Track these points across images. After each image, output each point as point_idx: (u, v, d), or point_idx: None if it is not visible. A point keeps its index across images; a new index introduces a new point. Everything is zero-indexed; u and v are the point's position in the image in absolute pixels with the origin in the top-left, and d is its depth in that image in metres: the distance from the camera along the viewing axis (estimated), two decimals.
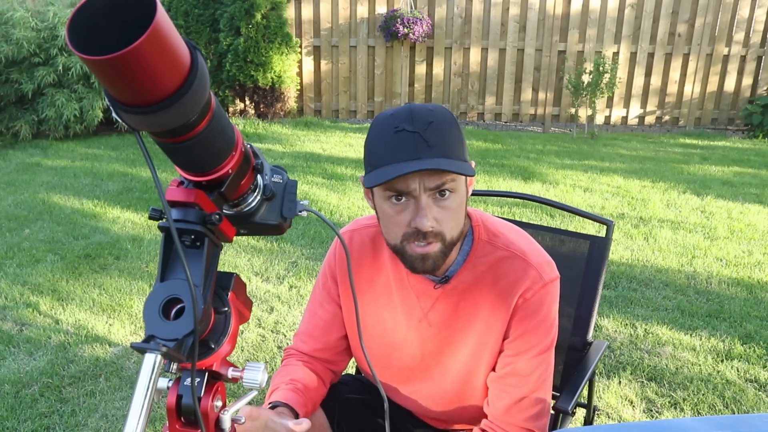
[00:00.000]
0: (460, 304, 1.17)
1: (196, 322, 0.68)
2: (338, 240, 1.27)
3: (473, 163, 1.10)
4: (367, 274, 1.25)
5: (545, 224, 3.51)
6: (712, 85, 7.03)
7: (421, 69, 7.15)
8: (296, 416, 1.14)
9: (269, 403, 1.16)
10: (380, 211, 1.09)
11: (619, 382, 2.42)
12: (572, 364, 1.56)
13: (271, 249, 3.60)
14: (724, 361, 2.56)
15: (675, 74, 7.02)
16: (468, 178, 1.10)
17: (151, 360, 0.68)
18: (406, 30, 6.67)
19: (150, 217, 0.71)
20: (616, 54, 6.97)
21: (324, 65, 7.17)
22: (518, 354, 1.15)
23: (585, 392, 1.53)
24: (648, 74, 7.06)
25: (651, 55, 6.99)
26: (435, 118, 1.01)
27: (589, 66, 6.72)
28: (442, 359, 1.23)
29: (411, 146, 0.99)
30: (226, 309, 0.79)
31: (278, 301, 3.02)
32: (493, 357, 1.18)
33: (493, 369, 1.19)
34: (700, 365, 2.53)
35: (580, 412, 1.78)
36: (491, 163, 5.53)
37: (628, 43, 6.93)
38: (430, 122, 1.00)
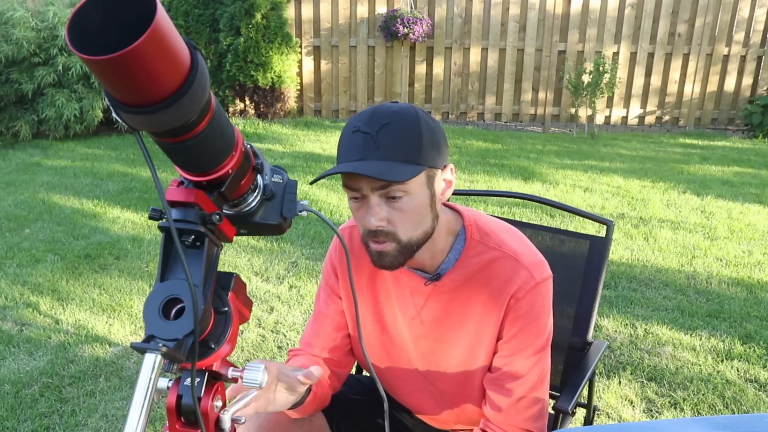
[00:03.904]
0: (451, 303, 1.17)
1: (196, 322, 0.68)
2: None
3: (451, 167, 1.09)
4: (368, 269, 1.24)
5: (545, 224, 3.51)
6: (712, 85, 7.03)
7: (421, 69, 7.14)
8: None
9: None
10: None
11: (619, 382, 2.42)
12: (572, 364, 1.56)
13: (271, 249, 3.60)
14: (724, 361, 2.56)
15: (675, 74, 7.02)
16: (445, 179, 1.09)
17: (151, 360, 0.68)
18: (406, 30, 6.67)
19: (150, 217, 0.71)
20: (616, 54, 6.97)
21: (324, 65, 7.16)
22: (513, 354, 1.15)
23: (585, 392, 1.53)
24: (648, 74, 7.06)
25: (651, 55, 6.99)
26: (393, 119, 1.01)
27: (589, 66, 6.72)
28: (434, 359, 1.22)
29: (361, 147, 1.00)
30: (226, 309, 0.79)
31: (278, 301, 3.02)
32: (489, 357, 1.18)
33: (489, 370, 1.19)
34: (700, 365, 2.53)
35: (580, 412, 1.78)
36: (491, 163, 5.53)
37: (628, 43, 6.93)
38: (385, 124, 1.00)
